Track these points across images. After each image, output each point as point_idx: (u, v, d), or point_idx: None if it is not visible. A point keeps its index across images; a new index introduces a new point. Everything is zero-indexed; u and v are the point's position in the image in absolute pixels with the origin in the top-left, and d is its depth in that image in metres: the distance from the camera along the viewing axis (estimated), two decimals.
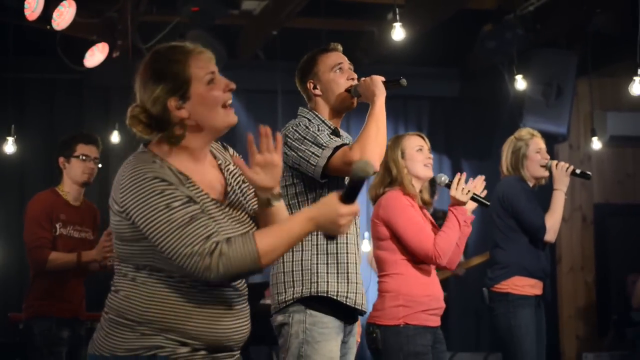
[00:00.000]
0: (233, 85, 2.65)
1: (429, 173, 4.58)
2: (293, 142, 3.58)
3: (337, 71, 3.76)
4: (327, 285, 3.59)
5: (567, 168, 5.17)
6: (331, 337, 3.59)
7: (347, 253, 3.65)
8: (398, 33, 5.82)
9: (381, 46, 7.85)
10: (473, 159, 8.88)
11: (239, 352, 2.70)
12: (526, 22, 7.58)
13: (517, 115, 8.02)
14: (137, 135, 2.66)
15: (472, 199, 4.53)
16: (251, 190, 2.75)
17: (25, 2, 5.83)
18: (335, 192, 2.55)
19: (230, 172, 2.76)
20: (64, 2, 6.03)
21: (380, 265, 4.56)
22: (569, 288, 8.91)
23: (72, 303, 5.36)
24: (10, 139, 6.86)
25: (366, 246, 7.67)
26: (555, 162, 5.21)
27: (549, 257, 5.32)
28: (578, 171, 5.17)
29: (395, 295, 4.45)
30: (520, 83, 7.24)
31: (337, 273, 3.63)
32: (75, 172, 5.43)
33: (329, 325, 3.59)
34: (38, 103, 8.09)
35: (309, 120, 3.72)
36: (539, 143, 5.29)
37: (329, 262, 3.62)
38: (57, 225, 5.32)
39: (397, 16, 5.78)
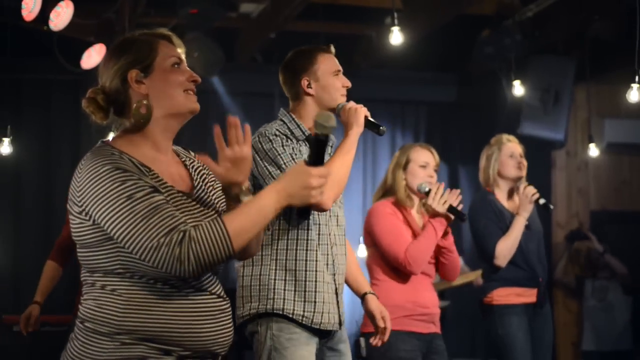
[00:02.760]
0: (198, 79, 2.54)
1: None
2: (255, 154, 3.45)
3: (336, 75, 3.65)
4: (284, 302, 3.46)
5: (533, 195, 5.12)
6: (300, 343, 3.46)
7: (306, 270, 3.49)
8: (396, 37, 5.81)
9: (379, 50, 7.84)
10: (470, 165, 8.85)
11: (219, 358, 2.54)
12: (524, 28, 7.58)
13: (515, 121, 8.01)
14: (93, 122, 2.53)
15: (450, 210, 4.48)
16: (218, 188, 2.60)
17: (23, 3, 5.82)
18: (301, 160, 2.43)
19: (196, 169, 2.61)
20: (61, 3, 6.02)
21: (369, 273, 4.58)
22: (566, 294, 8.89)
23: None
24: (7, 140, 6.84)
25: (362, 251, 7.65)
26: (523, 185, 5.16)
27: (542, 264, 5.26)
28: (541, 202, 5.13)
29: None
30: (518, 89, 7.24)
31: (295, 291, 3.48)
32: None
33: (297, 330, 3.46)
34: (35, 104, 8.08)
35: (281, 125, 3.59)
36: (513, 148, 5.25)
37: (287, 278, 3.47)
38: None
39: (396, 20, 5.76)
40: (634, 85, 5.25)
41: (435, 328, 4.55)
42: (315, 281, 3.51)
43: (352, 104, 3.60)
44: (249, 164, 2.47)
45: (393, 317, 4.36)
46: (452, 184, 8.69)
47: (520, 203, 5.13)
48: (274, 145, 3.47)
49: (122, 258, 2.34)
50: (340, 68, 3.69)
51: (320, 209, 3.40)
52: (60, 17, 6.04)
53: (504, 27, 7.53)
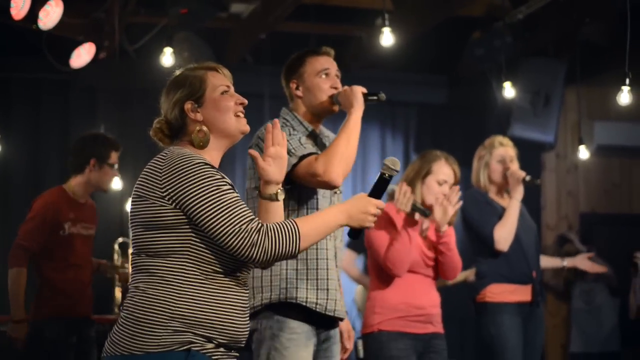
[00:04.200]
0: (245, 101, 2.89)
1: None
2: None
3: (322, 76, 3.72)
4: (297, 291, 3.55)
5: (519, 175, 5.14)
6: (300, 343, 3.53)
7: (317, 259, 3.60)
8: (387, 39, 5.80)
9: (370, 52, 7.83)
10: (460, 166, 8.83)
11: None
12: (515, 30, 7.58)
13: (505, 123, 8.01)
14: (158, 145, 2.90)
15: (414, 208, 4.45)
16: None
17: (12, 1, 5.78)
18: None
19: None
20: (50, 2, 5.98)
21: (369, 274, 4.60)
22: (554, 297, 8.90)
23: (86, 302, 5.38)
24: None
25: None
26: (510, 170, 5.18)
27: (535, 259, 5.27)
28: (527, 178, 5.14)
29: (372, 303, 4.48)
30: (509, 91, 7.23)
31: (307, 279, 3.58)
32: (104, 178, 5.47)
33: (297, 330, 3.54)
34: (23, 103, 8.02)
35: (286, 121, 3.68)
36: (504, 152, 5.25)
37: (299, 267, 3.58)
38: (66, 225, 5.31)
39: (386, 22, 5.76)
40: (625, 88, 5.26)
41: (434, 328, 4.56)
42: (327, 269, 3.63)
43: (344, 88, 3.70)
44: (285, 165, 2.89)
45: (386, 318, 4.40)
46: None
47: (510, 187, 5.14)
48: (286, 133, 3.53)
49: (192, 242, 2.68)
50: (329, 68, 3.75)
51: (331, 185, 3.53)
52: (50, 16, 6.01)
53: (495, 29, 7.53)
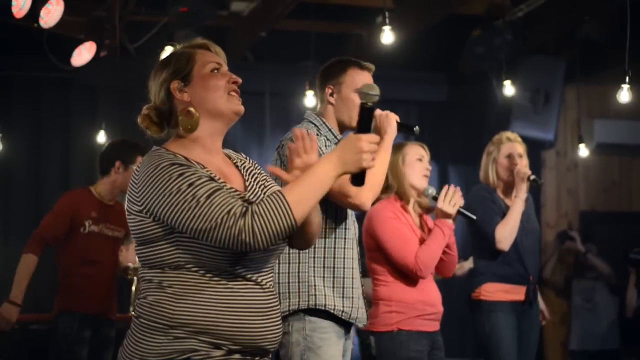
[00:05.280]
0: (239, 79, 2.65)
1: (424, 184, 4.59)
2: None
3: None
4: (325, 298, 3.57)
5: (524, 174, 5.13)
6: (332, 342, 3.58)
7: (344, 268, 3.64)
8: (387, 37, 5.82)
9: (370, 50, 7.84)
10: (460, 164, 8.87)
11: (270, 355, 2.64)
12: (515, 28, 7.59)
13: (505, 121, 8.03)
14: (150, 136, 2.71)
15: (459, 212, 4.50)
16: (269, 186, 2.72)
17: (13, 0, 5.79)
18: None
19: (247, 170, 2.74)
20: (51, 0, 5.99)
21: (372, 274, 4.57)
22: (554, 294, 8.92)
23: (101, 300, 5.49)
24: None
25: None
26: (516, 169, 5.16)
27: (535, 262, 5.28)
28: (531, 177, 5.13)
29: (388, 301, 4.46)
30: (509, 89, 7.24)
31: (334, 287, 3.60)
32: (129, 181, 5.50)
33: (329, 329, 3.58)
34: (24, 101, 8.04)
35: (317, 128, 3.70)
36: (512, 148, 5.23)
37: (326, 275, 3.60)
38: (87, 223, 5.47)
39: (387, 20, 5.77)
40: (624, 86, 5.27)
41: (438, 325, 4.59)
42: (352, 278, 3.66)
43: (378, 111, 3.78)
44: None
45: (406, 317, 4.40)
46: (442, 182, 8.69)
47: (515, 185, 5.13)
48: (319, 144, 3.57)
49: (181, 250, 2.47)
50: None
51: (360, 209, 3.56)
52: (51, 15, 6.02)
53: (495, 27, 7.54)
